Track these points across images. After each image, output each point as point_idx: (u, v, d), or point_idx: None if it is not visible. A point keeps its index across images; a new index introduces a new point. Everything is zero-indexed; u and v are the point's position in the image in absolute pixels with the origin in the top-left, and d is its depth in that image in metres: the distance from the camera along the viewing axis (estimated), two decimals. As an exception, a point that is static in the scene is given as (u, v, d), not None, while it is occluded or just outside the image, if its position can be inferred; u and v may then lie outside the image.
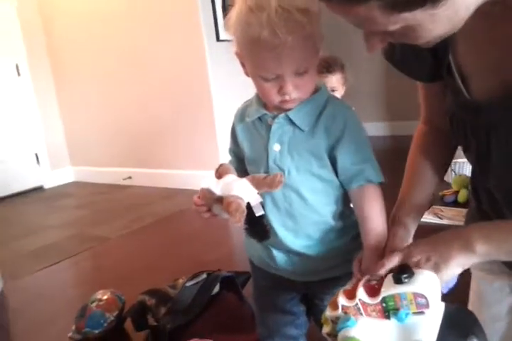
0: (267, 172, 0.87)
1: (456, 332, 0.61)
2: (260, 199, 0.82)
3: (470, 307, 0.67)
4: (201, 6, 3.03)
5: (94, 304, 1.49)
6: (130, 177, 3.76)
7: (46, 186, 4.00)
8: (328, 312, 0.69)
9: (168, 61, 3.25)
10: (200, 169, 3.16)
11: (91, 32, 3.65)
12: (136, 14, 3.34)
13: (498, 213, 0.79)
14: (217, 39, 3.11)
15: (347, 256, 0.87)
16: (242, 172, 0.94)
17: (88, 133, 4.00)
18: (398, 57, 0.80)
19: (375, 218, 0.83)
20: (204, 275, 1.49)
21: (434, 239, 0.69)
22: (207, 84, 3.13)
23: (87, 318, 1.46)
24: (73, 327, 1.49)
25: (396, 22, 0.57)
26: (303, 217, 0.88)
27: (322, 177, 0.85)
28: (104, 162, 3.94)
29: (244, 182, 0.82)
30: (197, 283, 1.47)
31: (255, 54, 0.77)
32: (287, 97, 0.80)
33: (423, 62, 0.79)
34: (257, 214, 0.81)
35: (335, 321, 0.68)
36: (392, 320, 0.64)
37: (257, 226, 0.84)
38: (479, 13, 0.60)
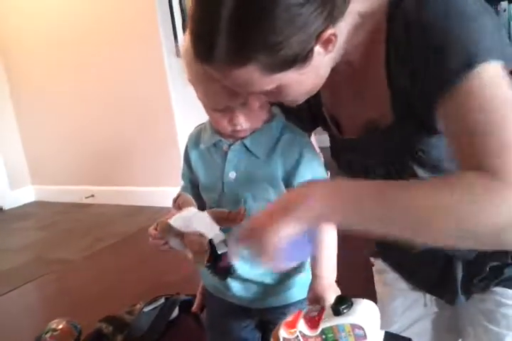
0: (221, 200, 0.87)
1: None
2: (223, 237, 0.79)
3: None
4: (161, 23, 3.01)
5: (48, 334, 1.44)
6: (93, 196, 3.69)
7: (5, 207, 3.88)
8: (270, 345, 0.69)
9: (128, 77, 3.21)
10: (163, 186, 3.12)
11: (49, 48, 3.58)
12: (94, 30, 3.30)
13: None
14: (178, 55, 3.10)
15: (303, 282, 0.87)
16: (196, 197, 0.93)
17: (49, 151, 3.90)
18: (283, 111, 0.89)
19: (325, 249, 0.83)
20: (162, 300, 1.47)
21: (279, 200, 0.66)
22: (168, 101, 3.11)
23: (40, 350, 1.42)
24: (27, 360, 1.45)
25: (271, 82, 0.65)
26: None
27: None
28: (67, 180, 3.85)
29: (206, 217, 0.80)
30: (155, 308, 1.45)
31: (203, 85, 0.77)
32: (238, 127, 0.80)
33: (301, 117, 0.90)
34: (220, 252, 0.79)
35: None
36: (333, 351, 0.64)
37: (220, 264, 0.81)
38: (338, 71, 0.73)
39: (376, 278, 1.06)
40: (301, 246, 0.63)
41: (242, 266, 0.88)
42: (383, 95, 0.73)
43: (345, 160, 0.88)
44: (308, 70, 0.65)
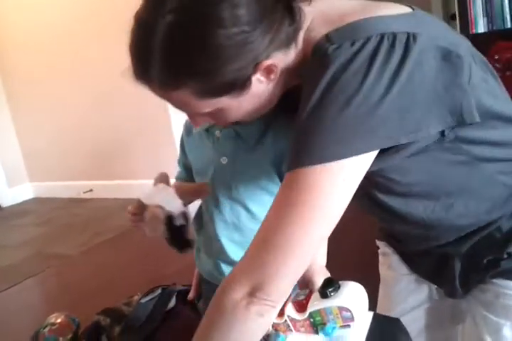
0: (214, 185, 0.86)
1: (382, 343, 0.61)
2: (182, 209, 0.80)
3: (378, 308, 0.67)
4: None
5: (46, 329, 1.44)
6: (91, 190, 3.68)
7: (4, 205, 3.89)
8: (260, 330, 0.69)
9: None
10: (160, 178, 3.12)
11: (44, 43, 3.56)
12: (89, 24, 3.28)
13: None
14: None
15: None
16: (191, 182, 0.94)
17: (45, 147, 3.89)
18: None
19: None
20: (159, 291, 1.46)
21: None
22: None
23: (39, 344, 1.42)
24: (27, 354, 1.45)
25: (208, 106, 0.65)
26: (250, 230, 0.87)
27: (271, 191, 0.84)
28: (64, 176, 3.85)
29: (170, 191, 0.82)
30: (152, 298, 1.44)
31: None
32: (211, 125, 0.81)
33: None
34: (177, 224, 0.80)
35: (266, 339, 0.68)
36: (321, 335, 0.64)
37: (178, 237, 0.82)
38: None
39: (381, 260, 1.05)
40: None
41: (234, 251, 0.88)
42: None
43: None
44: (247, 97, 0.65)
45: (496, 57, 2.24)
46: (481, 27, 2.49)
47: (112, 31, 3.26)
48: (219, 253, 0.90)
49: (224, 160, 0.85)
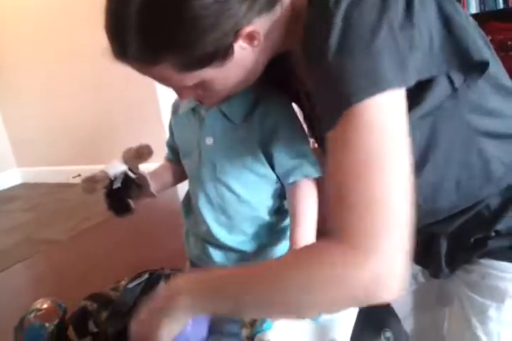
0: (199, 167, 0.84)
1: (371, 327, 0.60)
2: (120, 170, 0.82)
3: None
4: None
5: (32, 315, 1.40)
6: (79, 175, 3.63)
7: (-8, 190, 3.84)
8: (246, 316, 0.67)
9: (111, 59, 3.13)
10: (149, 162, 3.08)
11: (32, 28, 3.48)
12: (75, 9, 3.19)
13: None
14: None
15: (284, 251, 0.85)
16: (179, 164, 0.92)
17: (33, 132, 3.84)
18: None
19: (303, 218, 0.80)
20: (146, 275, 1.43)
21: (153, 302, 0.66)
22: (152, 80, 3.04)
23: (25, 331, 1.39)
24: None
25: (192, 79, 0.64)
26: (236, 212, 0.85)
27: (256, 171, 0.82)
28: (52, 161, 3.80)
29: (118, 156, 0.84)
30: (139, 283, 1.42)
31: None
32: (194, 102, 0.78)
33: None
34: (114, 187, 0.82)
35: (252, 324, 0.66)
36: (308, 320, 0.62)
37: (115, 200, 0.84)
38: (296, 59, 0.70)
39: None
40: (196, 327, 0.67)
41: (220, 232, 0.85)
42: None
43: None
44: (231, 66, 0.64)
45: (489, 38, 2.22)
46: (473, 8, 2.46)
47: (97, 16, 3.19)
48: (206, 236, 0.89)
49: (209, 141, 0.82)
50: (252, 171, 0.83)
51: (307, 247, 0.57)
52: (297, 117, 0.84)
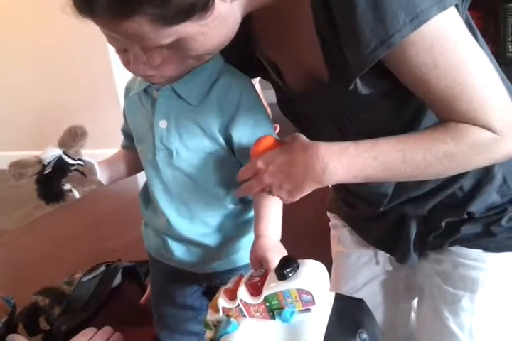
0: (154, 153, 0.77)
1: (345, 328, 0.55)
2: (52, 154, 0.77)
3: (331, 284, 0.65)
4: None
5: (-22, 311, 1.33)
6: (32, 161, 3.49)
7: None
8: (209, 316, 0.62)
9: (66, 38, 2.97)
10: (106, 148, 2.97)
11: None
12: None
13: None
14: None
15: (250, 244, 0.80)
16: (136, 151, 0.85)
17: (-19, 115, 3.64)
18: None
19: (268, 205, 0.75)
20: (103, 268, 1.38)
21: (286, 161, 0.66)
22: (108, 60, 2.92)
23: (-30, 328, 1.31)
24: (-44, 340, 1.33)
25: (168, 35, 0.57)
26: (197, 201, 0.79)
27: (215, 156, 0.76)
28: (5, 146, 3.62)
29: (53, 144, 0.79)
30: (95, 276, 1.36)
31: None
32: (141, 72, 0.70)
33: (234, 59, 0.79)
34: (45, 172, 0.77)
35: (216, 325, 0.61)
36: (277, 320, 0.57)
37: (45, 186, 0.79)
38: (266, 15, 0.68)
39: (332, 233, 1.02)
40: None
41: (180, 224, 0.80)
42: (314, 45, 0.66)
43: (292, 113, 0.82)
44: (211, 21, 0.58)
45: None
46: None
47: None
48: (166, 229, 0.82)
49: (163, 124, 0.76)
50: (211, 156, 0.76)
51: (450, 127, 0.62)
52: (257, 94, 0.79)
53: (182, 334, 0.94)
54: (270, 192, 0.68)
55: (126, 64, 0.70)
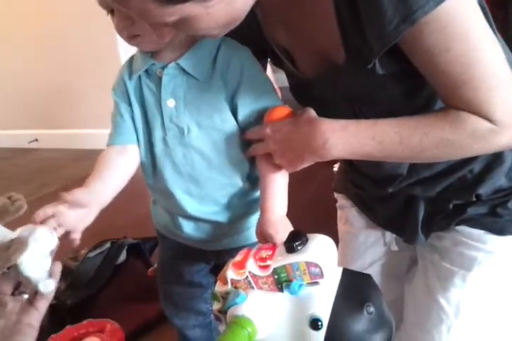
0: (164, 133, 0.76)
1: (353, 301, 0.56)
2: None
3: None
4: None
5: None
6: (36, 140, 3.49)
7: None
8: (218, 288, 0.62)
9: (70, 14, 2.95)
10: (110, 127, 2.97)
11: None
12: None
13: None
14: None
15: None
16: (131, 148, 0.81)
17: (-15, 93, 3.63)
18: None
19: (274, 181, 0.75)
20: (108, 244, 1.39)
21: (292, 132, 0.69)
22: (113, 38, 2.88)
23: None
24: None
25: (172, 14, 0.57)
26: (208, 179, 0.78)
27: (226, 132, 0.76)
28: (6, 124, 3.62)
29: None
30: (101, 252, 1.37)
31: None
32: (125, 35, 0.70)
33: (245, 43, 0.78)
34: None
35: (225, 297, 0.61)
36: (286, 293, 0.57)
37: None
38: (277, 1, 0.68)
39: (339, 214, 1.03)
40: None
41: (190, 204, 0.80)
42: (332, 25, 0.65)
43: (306, 99, 0.81)
44: (216, 3, 0.57)
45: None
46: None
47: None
48: (176, 208, 0.82)
49: (171, 103, 0.75)
50: (222, 133, 0.76)
51: (451, 114, 0.63)
52: (258, 63, 0.78)
53: (188, 312, 0.94)
54: (272, 159, 0.72)
55: (116, 26, 0.70)
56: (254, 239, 0.80)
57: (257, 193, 0.82)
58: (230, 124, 0.76)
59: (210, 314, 0.94)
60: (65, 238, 0.71)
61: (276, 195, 0.74)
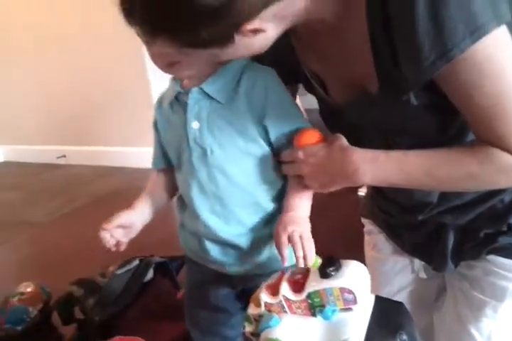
0: (189, 154, 0.79)
1: (385, 328, 0.57)
2: None
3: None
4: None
5: (15, 298, 1.38)
6: (64, 156, 3.56)
7: (-28, 167, 3.74)
8: (251, 310, 0.64)
9: (101, 35, 3.03)
10: (138, 146, 3.02)
11: (17, 5, 3.36)
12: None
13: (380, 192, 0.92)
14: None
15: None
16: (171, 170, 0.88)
17: (17, 109, 3.73)
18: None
19: (299, 197, 0.77)
20: (136, 262, 1.40)
21: (326, 157, 0.72)
22: (142, 58, 2.96)
23: (7, 314, 1.35)
24: (-7, 324, 1.38)
25: (191, 53, 0.65)
26: (231, 198, 0.80)
27: (250, 152, 0.78)
28: (37, 140, 3.71)
29: None
30: (128, 270, 1.38)
31: None
32: (176, 72, 0.75)
33: (277, 68, 0.81)
34: None
35: (258, 319, 0.63)
36: (319, 318, 0.59)
37: None
38: (312, 29, 0.70)
39: (366, 239, 1.02)
40: None
41: (216, 223, 0.81)
42: (366, 54, 0.66)
43: (336, 125, 0.83)
44: (234, 48, 0.62)
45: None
46: None
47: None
48: (202, 231, 0.84)
49: (195, 125, 0.78)
50: (246, 152, 0.78)
51: (481, 150, 0.64)
52: (282, 84, 0.80)
53: (214, 337, 0.94)
54: (303, 180, 0.74)
55: (155, 61, 0.74)
56: (280, 266, 0.82)
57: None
58: (255, 144, 0.78)
59: (236, 340, 0.94)
60: (114, 246, 0.87)
61: (301, 202, 0.76)
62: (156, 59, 0.74)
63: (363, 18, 0.63)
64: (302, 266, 0.65)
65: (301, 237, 0.69)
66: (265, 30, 0.61)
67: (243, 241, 0.82)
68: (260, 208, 0.81)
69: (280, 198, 0.82)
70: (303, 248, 0.67)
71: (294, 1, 0.61)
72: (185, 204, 0.88)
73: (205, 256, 0.86)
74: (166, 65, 0.74)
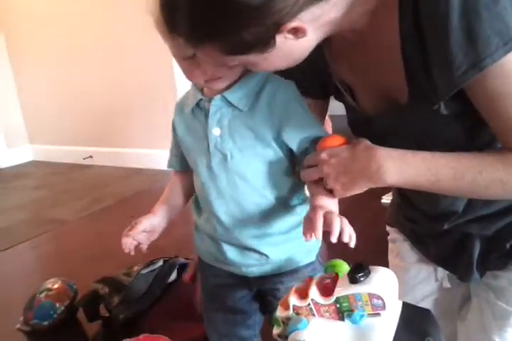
0: (209, 160, 0.81)
1: (413, 334, 0.57)
2: None
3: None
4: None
5: (43, 294, 1.41)
6: (91, 157, 3.63)
7: (2, 166, 3.83)
8: (279, 313, 0.64)
9: (129, 38, 3.10)
10: (162, 148, 3.05)
11: (48, 10, 3.46)
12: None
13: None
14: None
15: (301, 247, 0.82)
16: (186, 170, 0.91)
17: (47, 110, 3.83)
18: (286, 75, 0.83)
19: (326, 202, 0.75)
20: (160, 263, 1.43)
21: (348, 157, 0.71)
22: (169, 61, 3.00)
23: (35, 309, 1.39)
24: (21, 319, 1.42)
25: (233, 60, 0.67)
26: (248, 202, 0.82)
27: (267, 158, 0.80)
28: (64, 140, 3.80)
29: None
30: (153, 270, 1.41)
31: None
32: (209, 75, 0.75)
33: (309, 80, 0.84)
34: None
35: (286, 322, 0.63)
36: (347, 322, 0.59)
37: None
38: (345, 39, 0.71)
39: (390, 247, 1.02)
40: None
41: (234, 226, 0.83)
42: (397, 65, 0.67)
43: (365, 135, 0.83)
44: (274, 53, 0.64)
45: None
46: None
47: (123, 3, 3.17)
48: (220, 232, 0.85)
49: (216, 131, 0.80)
50: (263, 158, 0.80)
51: (509, 156, 0.65)
52: (302, 97, 0.82)
53: (231, 338, 0.95)
54: (326, 184, 0.73)
55: (190, 71, 0.76)
56: (295, 265, 0.84)
57: (297, 219, 0.84)
58: (272, 151, 0.79)
59: (253, 339, 0.95)
60: (136, 247, 0.89)
61: (329, 201, 0.75)
62: (197, 75, 0.75)
63: (395, 27, 0.65)
64: (335, 240, 0.65)
65: (338, 216, 0.68)
66: (305, 31, 0.62)
67: (261, 243, 0.84)
68: (276, 212, 0.83)
69: (293, 201, 0.84)
70: (341, 223, 0.66)
71: (330, 7, 0.62)
72: (201, 208, 0.90)
73: (223, 259, 0.87)
74: (207, 81, 0.77)
